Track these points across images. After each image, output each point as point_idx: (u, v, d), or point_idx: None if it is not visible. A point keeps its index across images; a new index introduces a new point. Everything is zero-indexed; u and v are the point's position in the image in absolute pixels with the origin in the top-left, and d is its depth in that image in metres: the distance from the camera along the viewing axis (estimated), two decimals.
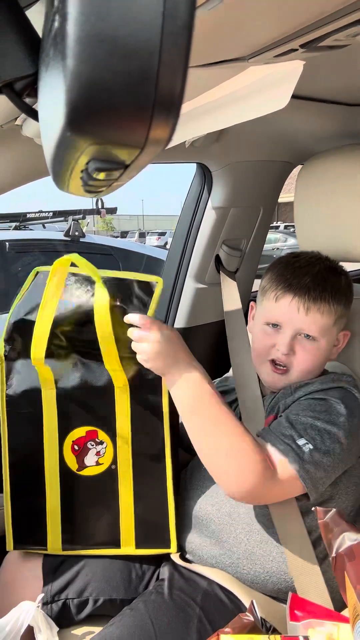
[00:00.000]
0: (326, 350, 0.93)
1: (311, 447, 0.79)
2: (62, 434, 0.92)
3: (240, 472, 0.77)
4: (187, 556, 0.94)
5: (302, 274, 0.92)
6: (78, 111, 0.21)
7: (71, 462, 0.92)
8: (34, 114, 0.37)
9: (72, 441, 0.92)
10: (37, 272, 0.92)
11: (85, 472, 0.92)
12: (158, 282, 0.85)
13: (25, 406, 0.91)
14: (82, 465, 0.92)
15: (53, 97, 0.23)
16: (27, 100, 0.37)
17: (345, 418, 0.83)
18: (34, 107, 0.38)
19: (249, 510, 0.87)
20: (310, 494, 0.79)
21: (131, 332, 0.80)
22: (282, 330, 0.92)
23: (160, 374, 0.83)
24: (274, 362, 0.94)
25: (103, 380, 0.89)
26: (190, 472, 0.99)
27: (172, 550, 0.92)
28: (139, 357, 0.81)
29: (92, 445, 0.91)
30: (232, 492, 0.80)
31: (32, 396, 0.91)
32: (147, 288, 0.87)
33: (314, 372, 0.94)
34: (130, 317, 0.81)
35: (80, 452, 0.92)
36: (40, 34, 0.33)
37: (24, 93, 0.35)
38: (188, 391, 0.80)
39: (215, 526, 0.89)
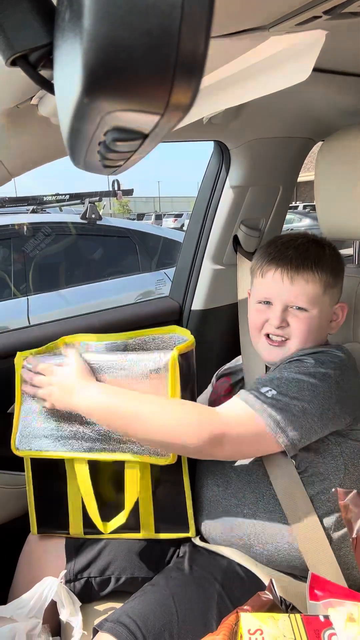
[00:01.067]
0: (320, 320, 0.93)
1: (274, 392, 0.81)
2: None
3: (189, 427, 0.79)
4: (204, 537, 0.95)
5: (284, 248, 0.94)
6: (95, 74, 0.20)
7: None
8: (49, 87, 0.36)
9: None
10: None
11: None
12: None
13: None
14: None
15: (69, 63, 0.22)
16: (43, 72, 0.36)
17: (316, 367, 0.84)
18: (50, 80, 0.37)
19: (255, 490, 0.88)
20: (280, 439, 0.78)
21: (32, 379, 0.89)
22: (273, 305, 0.93)
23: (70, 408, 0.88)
24: (268, 337, 0.95)
25: None
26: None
27: (191, 534, 0.93)
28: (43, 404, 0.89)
29: None
30: (196, 448, 0.80)
31: None
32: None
33: (310, 343, 0.93)
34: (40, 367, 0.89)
35: None
36: (55, 2, 0.32)
37: (39, 65, 0.34)
38: (100, 408, 0.84)
39: (223, 507, 0.90)
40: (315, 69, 0.67)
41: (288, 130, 1.22)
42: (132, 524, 0.94)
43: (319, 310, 0.91)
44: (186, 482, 0.92)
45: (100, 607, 0.92)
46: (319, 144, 1.22)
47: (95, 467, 0.93)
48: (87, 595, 0.91)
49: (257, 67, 0.70)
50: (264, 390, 0.82)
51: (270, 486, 0.86)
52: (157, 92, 0.20)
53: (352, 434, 0.87)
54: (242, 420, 0.80)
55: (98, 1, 0.18)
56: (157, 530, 0.94)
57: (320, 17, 0.54)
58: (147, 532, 0.94)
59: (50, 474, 0.95)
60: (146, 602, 0.80)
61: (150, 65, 0.19)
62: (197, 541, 0.93)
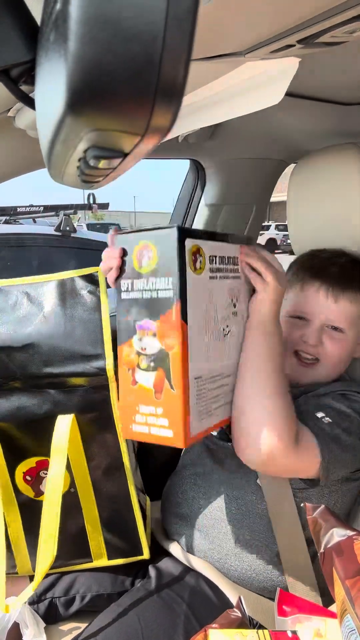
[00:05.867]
0: (353, 343, 0.91)
1: (329, 420, 0.77)
2: (11, 466, 0.85)
3: (273, 436, 0.70)
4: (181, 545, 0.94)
5: (328, 264, 0.91)
6: (79, 95, 0.20)
7: (26, 490, 0.87)
8: (30, 102, 0.36)
9: (23, 472, 0.86)
10: None
11: (43, 497, 0.83)
12: (98, 272, 0.78)
13: None
14: (38, 492, 0.87)
15: (53, 82, 0.23)
16: (24, 88, 0.36)
17: None
18: (30, 95, 0.37)
19: (241, 507, 0.87)
20: (323, 472, 0.74)
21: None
22: (310, 321, 0.89)
23: (263, 312, 0.74)
24: (297, 355, 0.91)
25: (45, 408, 0.81)
26: (183, 464, 0.99)
27: (145, 556, 0.90)
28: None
29: (45, 473, 0.84)
30: (259, 456, 0.72)
31: None
32: (91, 279, 0.80)
33: (341, 367, 0.92)
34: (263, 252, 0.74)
35: (34, 481, 0.86)
36: (38, 22, 0.33)
37: (20, 80, 0.35)
38: (267, 348, 0.74)
39: (206, 520, 0.89)
40: (287, 94, 0.70)
41: (262, 151, 1.26)
42: (83, 553, 0.90)
43: (354, 333, 0.90)
44: (134, 504, 0.88)
45: (65, 627, 0.90)
46: (292, 165, 1.26)
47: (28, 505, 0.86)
48: (51, 616, 0.89)
49: (232, 90, 0.73)
50: (319, 415, 0.77)
51: (258, 504, 0.85)
52: (138, 114, 0.21)
53: (352, 476, 0.87)
54: (303, 449, 0.73)
55: (84, 26, 0.19)
56: (110, 557, 0.90)
57: (294, 45, 0.57)
58: (99, 560, 0.90)
59: None
60: (111, 623, 0.78)
61: (132, 89, 0.20)
62: (172, 548, 0.92)
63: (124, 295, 0.67)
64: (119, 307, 0.68)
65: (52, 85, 0.23)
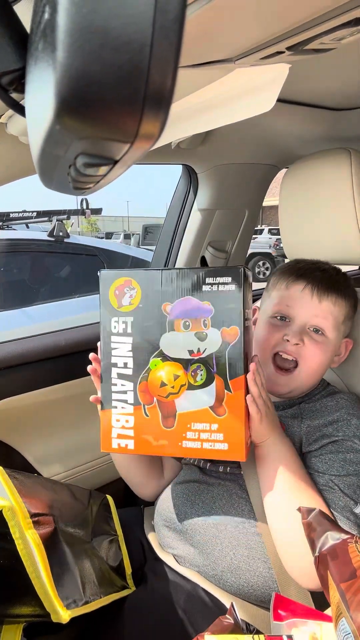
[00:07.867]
0: (333, 351, 0.91)
1: None
2: None
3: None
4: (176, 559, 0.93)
5: (314, 268, 0.94)
6: (67, 104, 0.21)
7: None
8: (20, 109, 0.37)
9: None
10: None
11: None
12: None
13: None
14: None
15: (42, 90, 0.23)
16: (14, 95, 0.36)
17: None
18: (20, 102, 0.38)
19: (237, 524, 0.85)
20: None
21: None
22: (292, 320, 0.90)
23: (258, 440, 0.80)
24: (276, 363, 0.91)
25: None
26: (176, 480, 0.97)
27: (132, 589, 0.88)
28: (255, 415, 0.75)
29: None
30: (308, 585, 0.77)
31: None
32: None
33: (317, 374, 0.91)
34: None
35: None
36: (28, 29, 0.33)
37: (10, 88, 0.35)
38: (281, 468, 0.79)
39: (201, 537, 0.86)
40: (278, 100, 0.70)
41: (253, 156, 1.27)
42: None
43: (335, 338, 0.90)
44: (123, 548, 0.87)
45: (61, 633, 0.89)
46: (284, 170, 1.27)
47: None
48: (46, 623, 0.88)
49: (224, 97, 0.73)
50: (358, 510, 0.78)
51: (255, 522, 0.84)
52: (127, 122, 0.21)
53: None
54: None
55: (72, 36, 0.19)
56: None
57: (283, 52, 0.57)
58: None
59: None
60: (106, 628, 0.78)
61: (121, 98, 0.21)
62: (168, 560, 0.91)
63: (246, 324, 0.75)
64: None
65: (41, 93, 0.24)
